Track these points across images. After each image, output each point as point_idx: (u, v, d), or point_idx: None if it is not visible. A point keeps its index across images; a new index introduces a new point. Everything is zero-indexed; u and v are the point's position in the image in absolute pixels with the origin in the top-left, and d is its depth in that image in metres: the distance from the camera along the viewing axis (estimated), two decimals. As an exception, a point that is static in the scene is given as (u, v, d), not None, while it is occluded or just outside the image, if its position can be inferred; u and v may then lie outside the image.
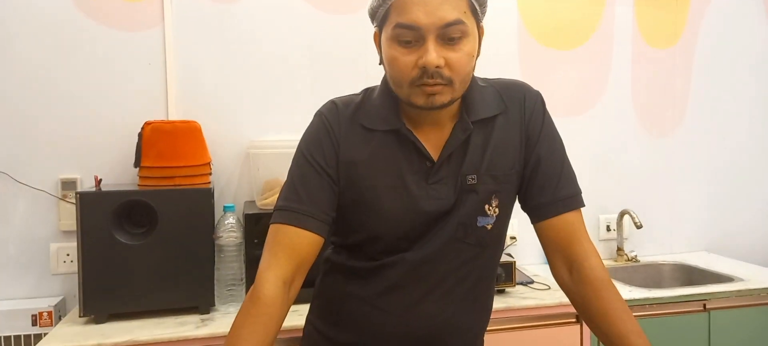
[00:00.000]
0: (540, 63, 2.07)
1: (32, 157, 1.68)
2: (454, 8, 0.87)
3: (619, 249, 2.11)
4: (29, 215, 1.69)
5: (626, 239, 2.13)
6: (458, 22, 0.87)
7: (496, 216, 0.99)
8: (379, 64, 0.97)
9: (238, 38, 1.81)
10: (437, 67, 0.87)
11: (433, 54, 0.86)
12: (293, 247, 0.92)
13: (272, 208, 0.99)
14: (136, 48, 1.74)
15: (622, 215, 2.09)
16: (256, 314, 0.87)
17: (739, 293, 1.75)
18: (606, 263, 2.08)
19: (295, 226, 0.93)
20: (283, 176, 1.01)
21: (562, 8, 2.08)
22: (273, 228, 0.95)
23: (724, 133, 2.26)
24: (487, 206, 0.98)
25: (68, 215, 1.67)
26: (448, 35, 0.87)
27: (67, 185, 1.69)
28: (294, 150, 1.01)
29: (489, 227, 0.99)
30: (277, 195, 1.60)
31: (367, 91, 1.03)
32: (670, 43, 2.19)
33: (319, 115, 1.01)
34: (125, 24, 1.73)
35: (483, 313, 1.08)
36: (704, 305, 1.72)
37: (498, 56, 2.02)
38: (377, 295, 1.00)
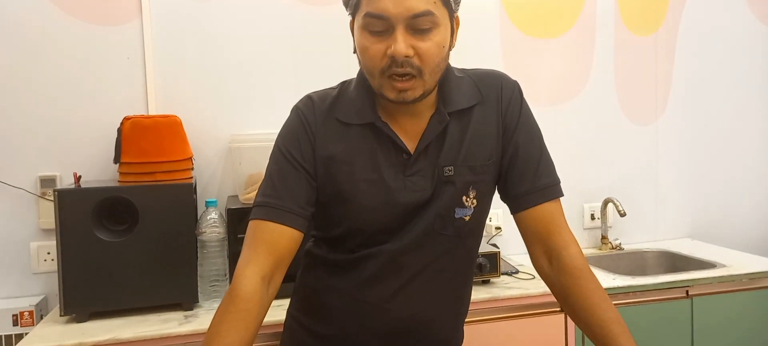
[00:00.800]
0: (523, 52, 2.07)
1: (10, 156, 1.65)
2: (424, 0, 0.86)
3: (604, 237, 2.12)
4: (9, 214, 1.67)
5: (610, 227, 2.15)
6: (427, 13, 0.86)
7: (474, 207, 0.99)
8: (353, 52, 0.96)
9: (219, 31, 1.79)
10: (406, 56, 0.86)
11: (402, 44, 0.86)
12: (272, 243, 0.92)
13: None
14: (114, 42, 1.71)
15: (606, 203, 2.10)
16: (235, 310, 0.87)
17: (722, 279, 1.77)
18: (590, 251, 2.10)
19: (273, 221, 0.93)
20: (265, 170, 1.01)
21: (544, -4, 2.08)
22: (252, 224, 0.95)
23: (706, 120, 2.28)
24: (464, 198, 0.98)
25: (48, 213, 1.65)
26: (418, 26, 0.87)
27: (46, 182, 1.67)
28: None
29: (467, 218, 0.99)
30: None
31: (344, 85, 1.03)
32: (652, 30, 2.20)
33: (296, 110, 1.01)
34: (103, 18, 1.70)
35: (462, 303, 1.09)
36: (687, 292, 1.73)
37: (480, 45, 2.02)
38: (357, 287, 1.00)
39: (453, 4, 0.92)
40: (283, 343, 1.12)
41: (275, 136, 1.02)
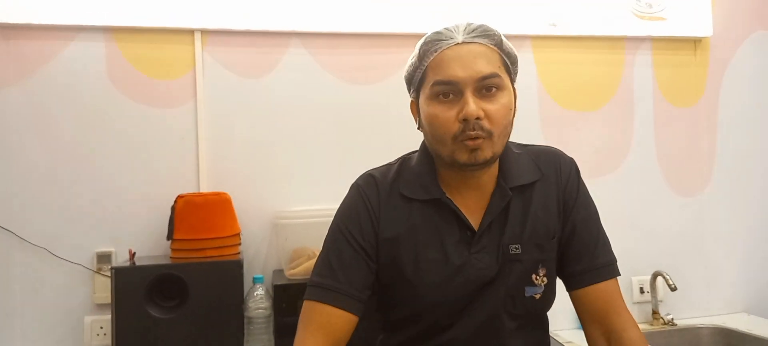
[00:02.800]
0: (561, 125, 2.09)
1: (69, 232, 1.73)
2: (489, 62, 0.91)
3: (655, 312, 2.05)
4: (65, 288, 1.72)
5: (661, 301, 2.07)
6: (494, 75, 0.91)
7: (544, 285, 0.98)
8: (418, 128, 0.99)
9: (266, 111, 1.87)
10: (477, 118, 0.89)
11: (473, 106, 0.89)
12: (329, 326, 0.92)
13: (300, 277, 1.00)
14: (169, 123, 1.81)
15: (655, 276, 2.04)
16: None
17: (784, 358, 1.68)
18: (641, 326, 2.00)
19: (330, 305, 0.93)
20: (310, 245, 1.02)
21: (581, 71, 2.11)
22: (308, 305, 0.95)
23: (754, 190, 2.22)
24: (534, 276, 0.98)
25: (103, 288, 1.70)
26: (485, 88, 0.91)
27: (102, 258, 1.73)
28: (320, 219, 1.02)
29: (537, 296, 0.98)
30: (304, 264, 1.63)
31: (404, 160, 1.04)
32: (692, 102, 2.20)
33: (357, 189, 1.01)
34: (160, 101, 1.81)
35: None
36: (748, 372, 1.65)
37: (519, 119, 2.03)
38: None
39: (512, 72, 0.96)
40: None
41: (319, 212, 1.03)
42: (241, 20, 1.83)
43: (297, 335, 0.93)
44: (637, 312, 2.08)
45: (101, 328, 1.72)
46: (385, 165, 1.05)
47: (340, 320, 0.93)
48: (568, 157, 1.05)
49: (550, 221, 0.99)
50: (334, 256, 0.97)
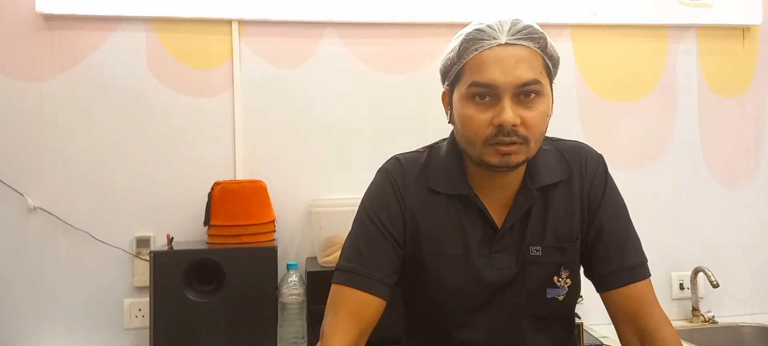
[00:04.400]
0: (601, 116, 2.04)
1: (110, 216, 1.78)
2: (530, 68, 0.87)
3: (695, 309, 1.99)
4: (106, 271, 1.78)
5: (702, 298, 2.01)
6: (534, 82, 0.87)
7: (568, 286, 0.96)
8: (449, 122, 0.97)
9: (302, 101, 1.89)
10: (513, 126, 0.86)
11: (510, 113, 0.85)
12: (358, 311, 0.92)
13: (333, 264, 0.99)
14: (208, 112, 1.84)
15: (696, 272, 1.98)
16: None
17: (834, 360, 1.61)
18: (680, 323, 1.97)
19: (359, 289, 0.92)
20: (344, 233, 1.01)
21: (621, 60, 2.05)
22: (336, 289, 0.94)
23: (804, 184, 2.13)
24: (556, 278, 0.96)
25: (142, 272, 1.75)
26: (524, 93, 0.87)
27: (142, 242, 1.78)
28: (354, 208, 1.00)
29: (561, 298, 0.96)
30: (337, 252, 1.64)
31: (432, 150, 1.02)
32: (738, 92, 2.11)
33: (384, 173, 1.00)
34: (199, 91, 1.84)
35: None
36: (795, 373, 1.59)
37: (557, 111, 2.00)
38: None
39: (553, 75, 0.92)
40: None
41: (354, 201, 1.01)
42: (277, 10, 1.84)
43: (325, 319, 0.93)
44: (676, 309, 2.02)
45: (139, 310, 1.77)
46: (413, 152, 1.03)
47: (369, 304, 0.92)
48: (596, 153, 1.01)
49: (573, 223, 0.97)
50: (363, 240, 0.96)
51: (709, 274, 1.89)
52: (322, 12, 1.86)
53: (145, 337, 1.66)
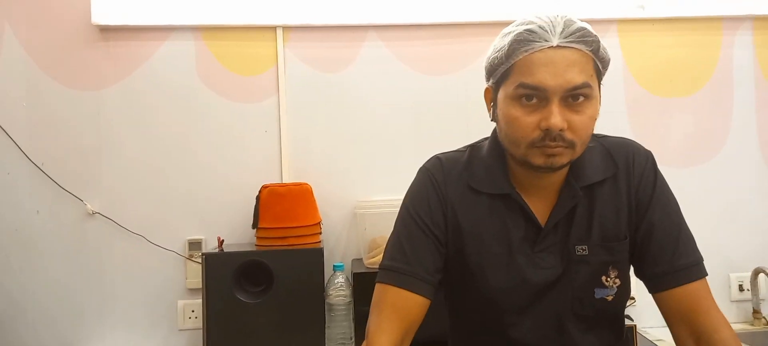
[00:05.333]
0: (650, 112, 1.98)
1: (163, 220, 1.84)
2: (581, 71, 0.85)
3: (756, 311, 1.90)
4: (160, 273, 1.84)
5: (763, 300, 1.92)
6: (585, 86, 0.85)
7: (617, 286, 0.94)
8: (491, 119, 0.96)
9: (345, 104, 1.91)
10: (561, 130, 0.85)
11: (558, 117, 0.84)
12: (402, 310, 0.92)
13: (378, 266, 1.00)
14: (255, 117, 1.88)
15: (756, 273, 1.90)
16: None
17: None
18: (740, 326, 1.89)
19: (403, 288, 0.93)
20: (389, 234, 1.01)
21: (672, 55, 1.99)
22: (380, 288, 0.95)
23: None
24: (604, 278, 0.94)
25: (194, 274, 1.80)
26: (573, 98, 0.85)
27: (193, 245, 1.83)
28: (398, 209, 1.00)
29: (609, 298, 0.94)
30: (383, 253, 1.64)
31: (473, 149, 1.02)
32: (798, 84, 2.02)
33: (425, 172, 1.00)
34: (246, 96, 1.88)
35: None
36: None
37: (604, 107, 1.95)
38: None
39: (602, 77, 0.90)
40: None
41: (397, 202, 1.01)
42: (319, 15, 1.87)
43: (370, 319, 0.93)
44: (735, 311, 1.94)
45: (192, 311, 1.82)
46: (454, 151, 1.02)
47: (413, 303, 0.92)
48: (644, 150, 0.98)
49: (621, 222, 0.94)
50: (406, 239, 0.96)
51: (771, 275, 1.81)
52: (363, 15, 1.88)
53: (199, 337, 1.70)
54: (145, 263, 1.83)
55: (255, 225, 1.69)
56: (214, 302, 1.55)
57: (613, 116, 1.96)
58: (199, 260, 1.69)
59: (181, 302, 1.83)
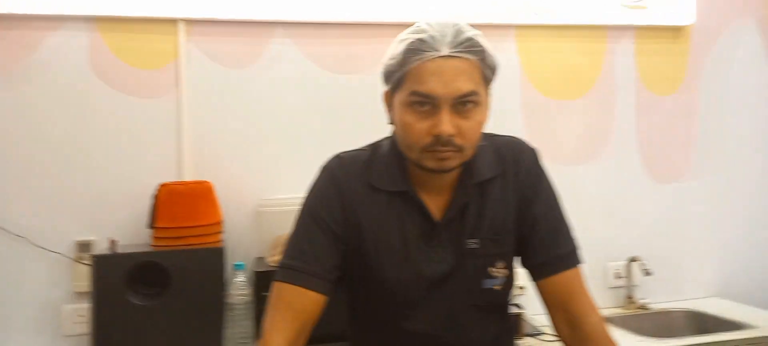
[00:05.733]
0: (543, 113, 2.11)
1: (50, 221, 1.74)
2: (469, 80, 0.90)
3: (629, 297, 2.10)
4: (44, 277, 1.74)
5: (636, 286, 2.12)
6: (472, 93, 0.90)
7: (504, 277, 1.01)
8: (389, 123, 1.00)
9: (250, 101, 1.89)
10: (450, 135, 0.90)
11: (448, 124, 0.89)
12: (298, 307, 0.94)
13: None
14: (152, 113, 1.82)
15: (630, 261, 2.09)
16: None
17: (752, 341, 1.73)
18: (614, 311, 2.07)
19: (300, 286, 0.94)
20: None
21: (564, 60, 2.13)
22: (277, 286, 0.96)
23: (732, 176, 2.26)
24: (492, 269, 1.00)
25: (82, 277, 1.71)
26: (462, 105, 0.90)
27: (83, 246, 1.74)
28: None
29: (497, 287, 1.01)
30: (285, 251, 1.65)
31: (375, 148, 1.05)
32: (672, 90, 2.22)
33: (326, 170, 1.02)
34: (143, 91, 1.81)
35: None
36: (716, 355, 1.70)
37: (501, 106, 2.05)
38: None
39: (491, 83, 0.96)
40: None
41: (301, 201, 1.02)
42: (224, 9, 1.83)
43: (266, 317, 0.95)
44: (611, 297, 2.12)
45: (80, 316, 1.73)
46: (356, 150, 1.06)
47: (309, 300, 0.94)
48: (530, 147, 1.06)
49: (508, 216, 1.01)
50: (303, 237, 0.98)
51: (643, 262, 2.00)
52: (271, 11, 1.86)
53: (86, 344, 1.63)
54: (28, 266, 1.73)
55: (151, 225, 1.65)
56: (103, 306, 1.49)
57: (509, 117, 2.07)
58: (88, 262, 1.61)
59: (67, 307, 1.74)
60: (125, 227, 1.77)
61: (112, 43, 1.80)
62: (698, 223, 2.22)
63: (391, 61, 0.95)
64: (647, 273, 1.98)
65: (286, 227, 1.73)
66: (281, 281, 0.96)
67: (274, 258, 1.72)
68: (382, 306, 1.01)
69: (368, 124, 1.90)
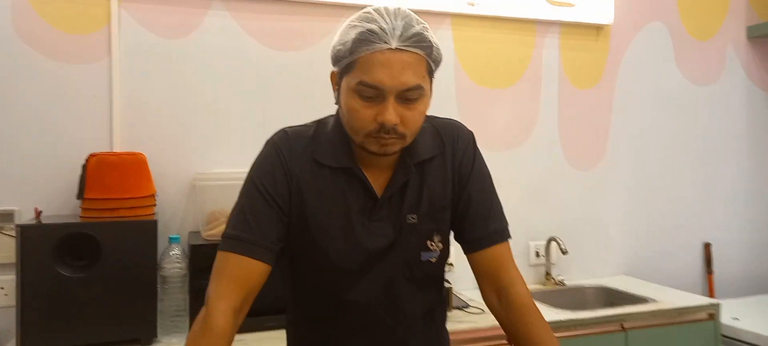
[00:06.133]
0: (476, 100, 2.21)
1: (-33, 189, 1.65)
2: (415, 74, 0.94)
3: (548, 274, 2.25)
4: (-38, 248, 1.65)
5: (554, 264, 2.28)
6: (418, 87, 0.94)
7: (440, 250, 1.07)
8: (335, 103, 1.02)
9: (187, 73, 1.85)
10: (394, 125, 0.94)
11: (393, 114, 0.93)
12: (243, 277, 0.95)
13: (217, 238, 1.01)
14: (81, 80, 1.75)
15: (549, 241, 2.24)
16: (208, 344, 0.90)
17: (654, 314, 1.91)
18: (534, 287, 2.22)
19: (244, 255, 0.96)
20: (228, 207, 1.03)
21: (496, 50, 2.23)
22: (221, 255, 0.97)
23: (641, 166, 2.46)
24: (429, 242, 1.06)
25: (5, 248, 1.64)
26: (407, 97, 0.94)
27: (5, 216, 1.66)
28: (239, 182, 1.03)
29: (433, 260, 1.07)
30: (221, 226, 1.65)
31: (319, 124, 1.07)
32: (591, 84, 2.39)
33: (272, 144, 1.03)
34: (71, 57, 1.74)
35: (441, 340, 1.16)
36: (622, 325, 1.87)
37: (436, 94, 2.13)
38: (339, 342, 1.06)
39: (434, 74, 1.00)
40: None
41: (239, 175, 1.04)
42: (159, -23, 1.78)
43: (210, 286, 0.96)
44: (532, 273, 2.27)
45: (2, 288, 1.66)
46: (301, 125, 1.07)
47: (254, 270, 0.96)
48: (467, 130, 1.12)
49: (446, 193, 1.07)
50: (248, 209, 0.99)
51: (560, 243, 2.16)
52: (208, -18, 1.83)
53: (11, 316, 1.57)
54: (-57, 236, 1.63)
55: (80, 196, 1.59)
56: (30, 278, 1.43)
57: (444, 102, 2.15)
58: (12, 233, 1.54)
59: (-12, 279, 1.67)
60: (52, 198, 1.71)
61: (38, 5, 1.71)
62: (610, 208, 2.41)
63: (341, 47, 0.97)
64: (564, 252, 2.13)
65: (222, 201, 1.76)
66: (226, 251, 0.97)
67: (209, 232, 1.71)
68: (323, 278, 1.05)
69: (305, 101, 1.95)
